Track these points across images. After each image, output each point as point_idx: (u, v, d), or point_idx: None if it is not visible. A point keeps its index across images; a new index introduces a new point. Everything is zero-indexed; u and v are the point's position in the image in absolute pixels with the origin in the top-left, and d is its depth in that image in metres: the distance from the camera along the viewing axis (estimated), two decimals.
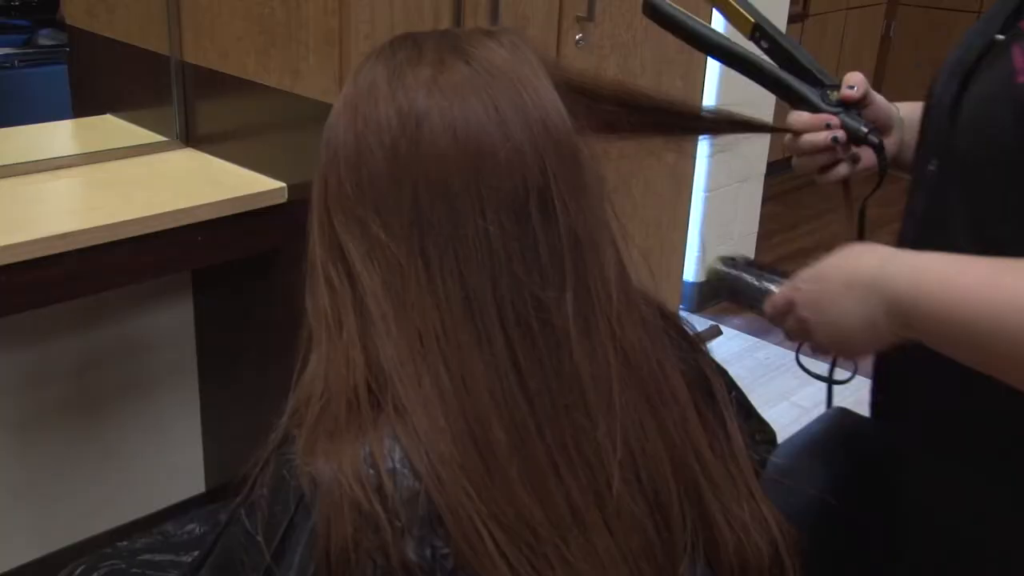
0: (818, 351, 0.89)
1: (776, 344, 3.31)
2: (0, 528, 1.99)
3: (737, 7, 1.05)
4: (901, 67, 5.11)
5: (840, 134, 0.99)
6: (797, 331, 0.89)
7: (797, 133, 1.02)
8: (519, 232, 0.75)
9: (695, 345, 0.91)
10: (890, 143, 1.04)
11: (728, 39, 1.05)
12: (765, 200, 3.75)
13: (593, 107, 0.87)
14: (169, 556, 1.17)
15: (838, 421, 1.05)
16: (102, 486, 2.11)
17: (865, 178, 1.05)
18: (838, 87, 1.01)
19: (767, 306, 0.92)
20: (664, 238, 2.55)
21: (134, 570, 1.16)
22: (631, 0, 2.17)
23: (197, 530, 1.22)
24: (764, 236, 3.81)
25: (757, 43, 1.05)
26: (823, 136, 1.00)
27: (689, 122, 1.02)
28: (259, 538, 0.73)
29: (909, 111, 1.05)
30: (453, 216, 0.74)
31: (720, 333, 3.39)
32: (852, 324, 0.82)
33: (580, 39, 2.09)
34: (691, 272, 3.47)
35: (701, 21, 1.05)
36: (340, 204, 0.77)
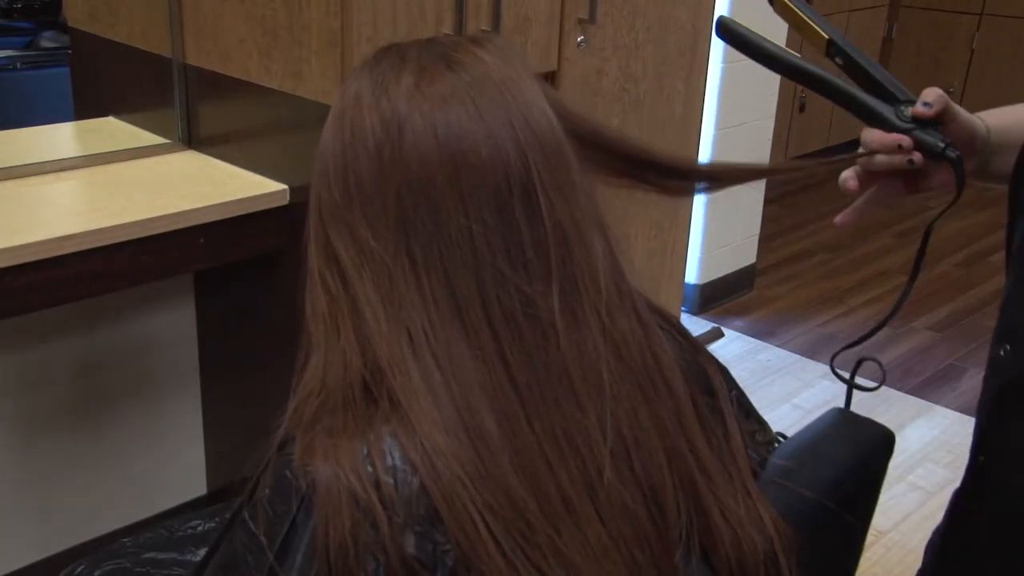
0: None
1: (778, 346, 3.31)
2: (2, 530, 2.00)
3: (811, 23, 1.03)
4: (903, 69, 5.11)
5: (917, 157, 0.95)
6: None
7: (869, 153, 0.98)
8: (502, 228, 0.76)
9: (694, 343, 0.91)
10: (969, 162, 0.99)
11: (799, 57, 1.02)
12: (766, 202, 3.75)
13: (589, 155, 0.86)
14: (172, 554, 1.17)
15: (838, 422, 1.04)
16: (104, 488, 2.11)
17: (925, 196, 1.03)
18: (914, 102, 0.97)
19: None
20: (666, 240, 2.56)
21: (138, 569, 1.16)
22: (633, 2, 2.17)
23: (201, 527, 1.22)
24: (766, 238, 3.81)
25: (832, 59, 1.02)
26: (898, 160, 0.96)
27: (686, 180, 0.99)
28: (262, 539, 0.74)
29: (999, 119, 1.01)
30: (436, 215, 0.76)
31: (722, 335, 3.40)
32: None
33: (582, 41, 2.09)
34: (693, 274, 3.48)
35: (772, 42, 1.03)
36: (331, 212, 0.80)
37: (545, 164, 0.78)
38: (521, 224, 0.77)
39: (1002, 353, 0.96)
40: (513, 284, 0.76)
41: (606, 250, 0.82)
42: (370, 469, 0.72)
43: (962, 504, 1.03)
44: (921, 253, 1.02)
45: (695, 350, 0.91)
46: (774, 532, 0.84)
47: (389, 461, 0.73)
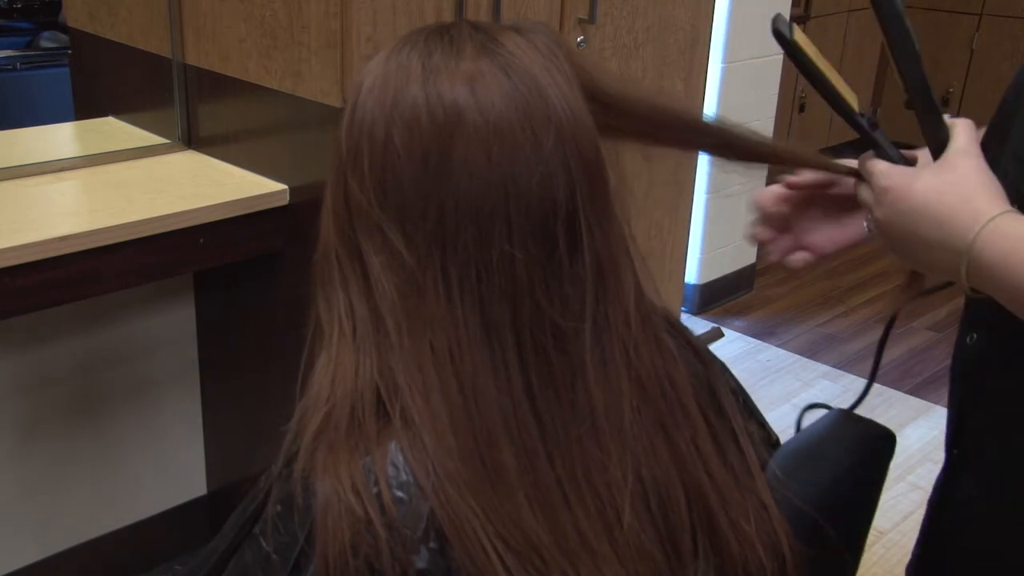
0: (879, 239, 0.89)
1: (778, 346, 3.31)
2: (1, 530, 2.00)
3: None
4: None
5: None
6: (873, 220, 0.90)
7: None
8: (544, 259, 0.73)
9: (701, 355, 0.89)
10: None
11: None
12: None
13: (618, 120, 0.81)
14: None
15: (839, 423, 1.04)
16: (103, 488, 2.11)
17: None
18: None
19: (869, 165, 0.89)
20: (666, 240, 2.55)
21: None
22: (633, 2, 2.17)
23: None
24: None
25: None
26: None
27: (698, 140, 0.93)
28: (274, 556, 0.73)
29: None
30: (479, 238, 0.72)
31: (722, 335, 3.40)
32: (931, 263, 0.85)
33: (581, 41, 2.09)
34: (693, 274, 3.48)
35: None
36: (361, 208, 0.75)
37: (589, 192, 0.74)
38: (564, 257, 0.74)
39: (968, 341, 0.97)
40: (549, 318, 0.73)
41: (633, 274, 0.79)
42: (374, 485, 0.70)
43: (935, 499, 1.04)
44: (883, 340, 1.07)
45: (701, 360, 0.88)
46: (787, 549, 0.83)
47: (404, 476, 0.71)
